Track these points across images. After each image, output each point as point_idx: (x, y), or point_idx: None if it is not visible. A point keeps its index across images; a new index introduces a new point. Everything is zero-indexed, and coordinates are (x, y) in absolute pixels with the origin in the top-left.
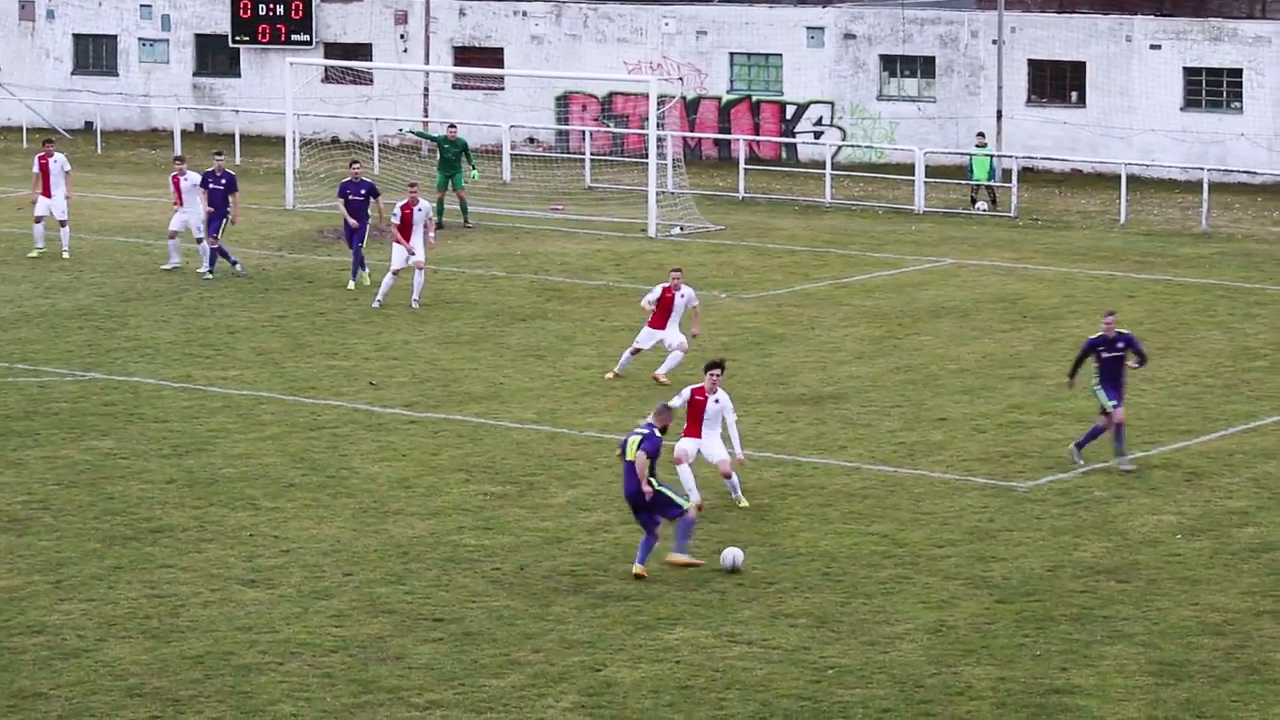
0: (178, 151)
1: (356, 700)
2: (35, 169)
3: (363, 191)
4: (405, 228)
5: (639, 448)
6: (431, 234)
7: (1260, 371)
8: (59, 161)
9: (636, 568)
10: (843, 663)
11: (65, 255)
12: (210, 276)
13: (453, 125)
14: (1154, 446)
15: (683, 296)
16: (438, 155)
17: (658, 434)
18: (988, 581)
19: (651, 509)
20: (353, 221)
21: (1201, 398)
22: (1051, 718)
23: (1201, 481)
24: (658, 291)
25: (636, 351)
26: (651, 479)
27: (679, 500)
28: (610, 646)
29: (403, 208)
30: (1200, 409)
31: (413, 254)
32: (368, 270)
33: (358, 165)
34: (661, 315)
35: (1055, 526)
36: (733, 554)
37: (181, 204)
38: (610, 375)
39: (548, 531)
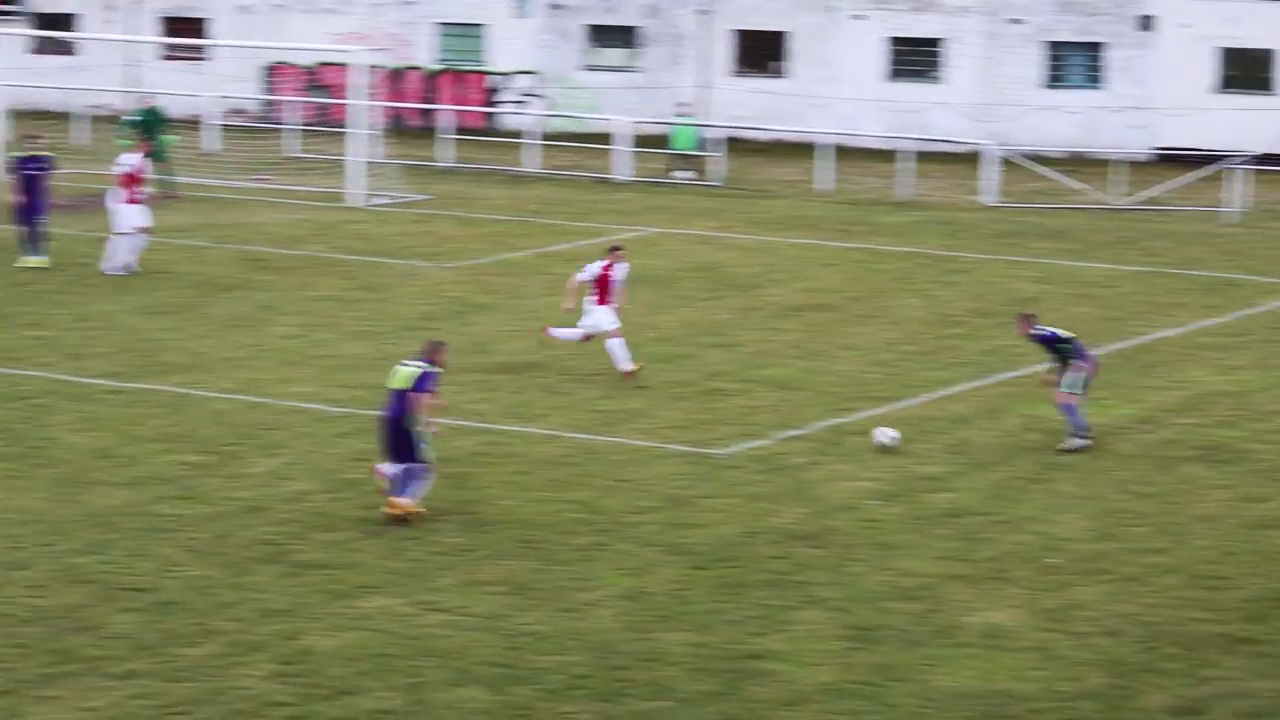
0: None
1: (53, 670)
2: None
3: (43, 166)
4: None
5: (415, 382)
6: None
7: (958, 339)
8: None
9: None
10: (539, 629)
11: None
12: None
13: (148, 98)
14: (851, 413)
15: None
16: (134, 127)
17: (433, 370)
18: (684, 548)
19: (403, 446)
20: (21, 198)
21: (899, 365)
22: (746, 682)
23: (897, 448)
24: (597, 269)
25: (589, 338)
26: (420, 420)
27: (428, 455)
28: (307, 615)
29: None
30: (898, 376)
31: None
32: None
33: (35, 138)
34: (604, 293)
35: (752, 493)
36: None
37: None
38: (630, 371)
39: (246, 501)
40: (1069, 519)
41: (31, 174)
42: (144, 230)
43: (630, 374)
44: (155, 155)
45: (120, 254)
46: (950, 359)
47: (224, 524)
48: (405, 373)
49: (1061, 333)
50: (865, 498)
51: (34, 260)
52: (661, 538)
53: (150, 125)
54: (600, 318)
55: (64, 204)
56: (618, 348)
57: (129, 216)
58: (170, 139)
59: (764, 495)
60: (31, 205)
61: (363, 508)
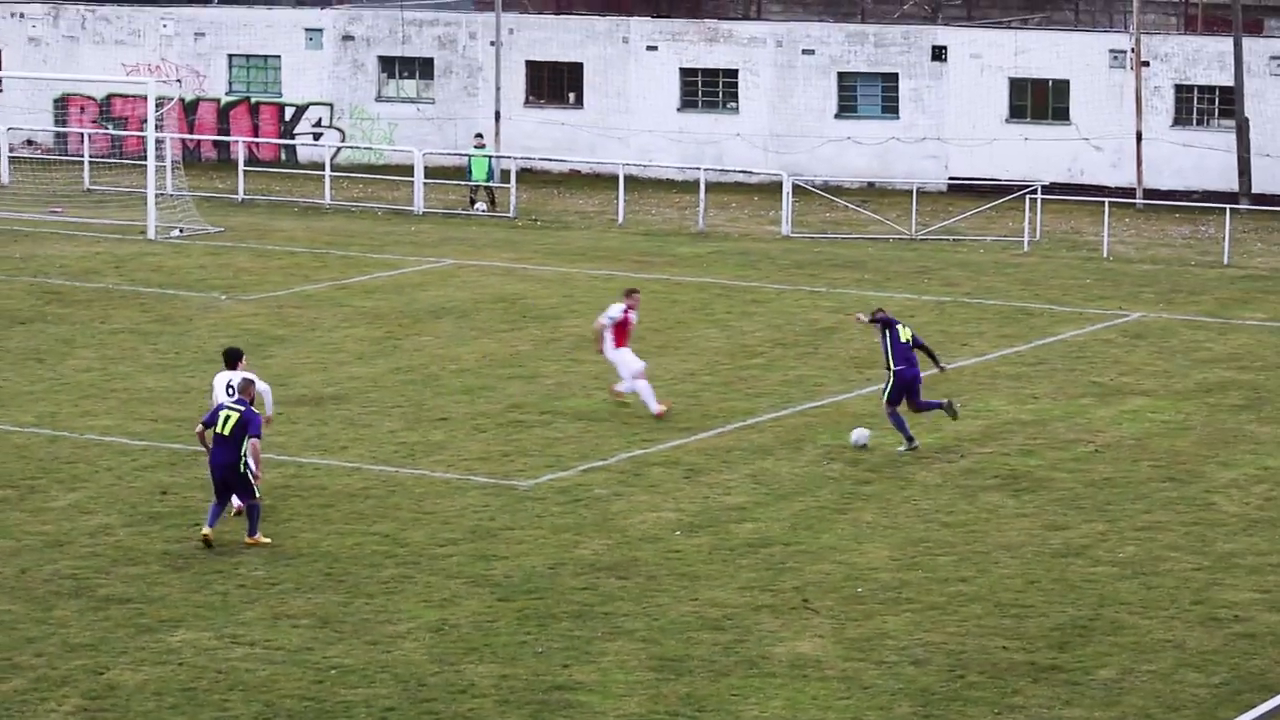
0: None
1: None
2: None
3: None
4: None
5: (239, 424)
6: None
7: (758, 369)
8: None
9: (206, 530)
10: (346, 663)
11: None
12: None
13: None
14: (653, 444)
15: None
16: None
17: (252, 409)
18: (489, 580)
19: (235, 487)
20: None
21: (700, 395)
22: (554, 714)
23: (700, 478)
24: (617, 313)
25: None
26: (249, 460)
27: (257, 490)
28: (113, 649)
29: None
30: (699, 406)
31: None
32: None
33: None
34: (622, 335)
35: (556, 524)
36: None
37: None
38: (661, 412)
39: (49, 535)
40: (873, 548)
41: None
42: None
43: (660, 414)
44: None
45: None
46: (750, 389)
47: (26, 558)
48: (232, 416)
49: (901, 330)
50: (669, 529)
51: None
52: (466, 570)
53: None
54: (625, 360)
55: None
56: (646, 389)
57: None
58: None
59: (568, 527)
60: None
61: (166, 541)
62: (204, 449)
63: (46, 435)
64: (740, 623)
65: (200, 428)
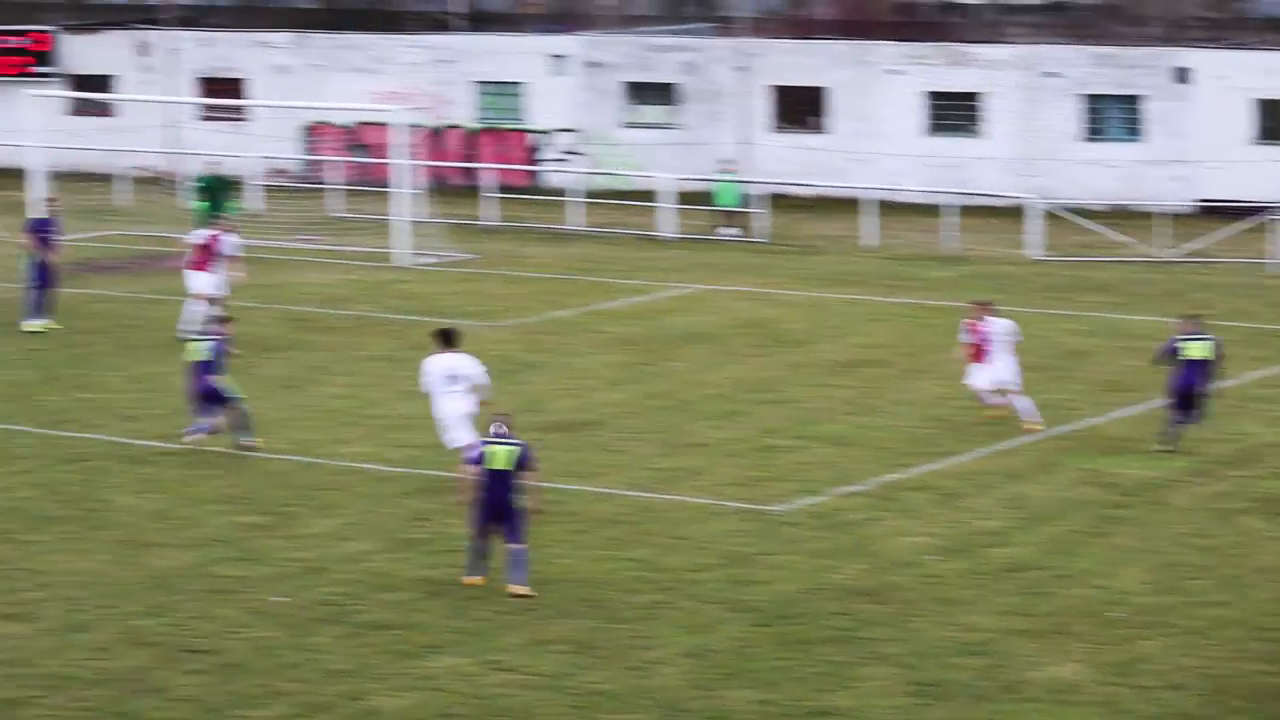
0: None
1: None
2: None
3: (50, 229)
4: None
5: (514, 458)
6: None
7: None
8: None
9: (477, 579)
10: (604, 688)
11: None
12: None
13: (213, 163)
14: (907, 468)
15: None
16: (199, 192)
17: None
18: (746, 605)
19: (512, 520)
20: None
21: (953, 420)
22: None
23: (955, 503)
24: (202, 237)
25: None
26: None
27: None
28: (372, 675)
29: (210, 237)
30: (952, 431)
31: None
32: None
33: (53, 200)
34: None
35: (811, 549)
36: None
37: None
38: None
39: (307, 561)
40: (1129, 572)
41: (41, 236)
42: (214, 299)
43: (1032, 429)
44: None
45: (195, 318)
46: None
47: (285, 584)
48: (504, 451)
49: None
50: (925, 553)
51: (36, 324)
52: (723, 595)
53: (213, 191)
54: (1000, 373)
55: (109, 266)
56: (1026, 404)
57: (201, 283)
58: (234, 205)
59: (823, 551)
60: (39, 269)
61: (424, 567)
62: (465, 491)
63: (302, 462)
64: (998, 647)
65: (468, 468)
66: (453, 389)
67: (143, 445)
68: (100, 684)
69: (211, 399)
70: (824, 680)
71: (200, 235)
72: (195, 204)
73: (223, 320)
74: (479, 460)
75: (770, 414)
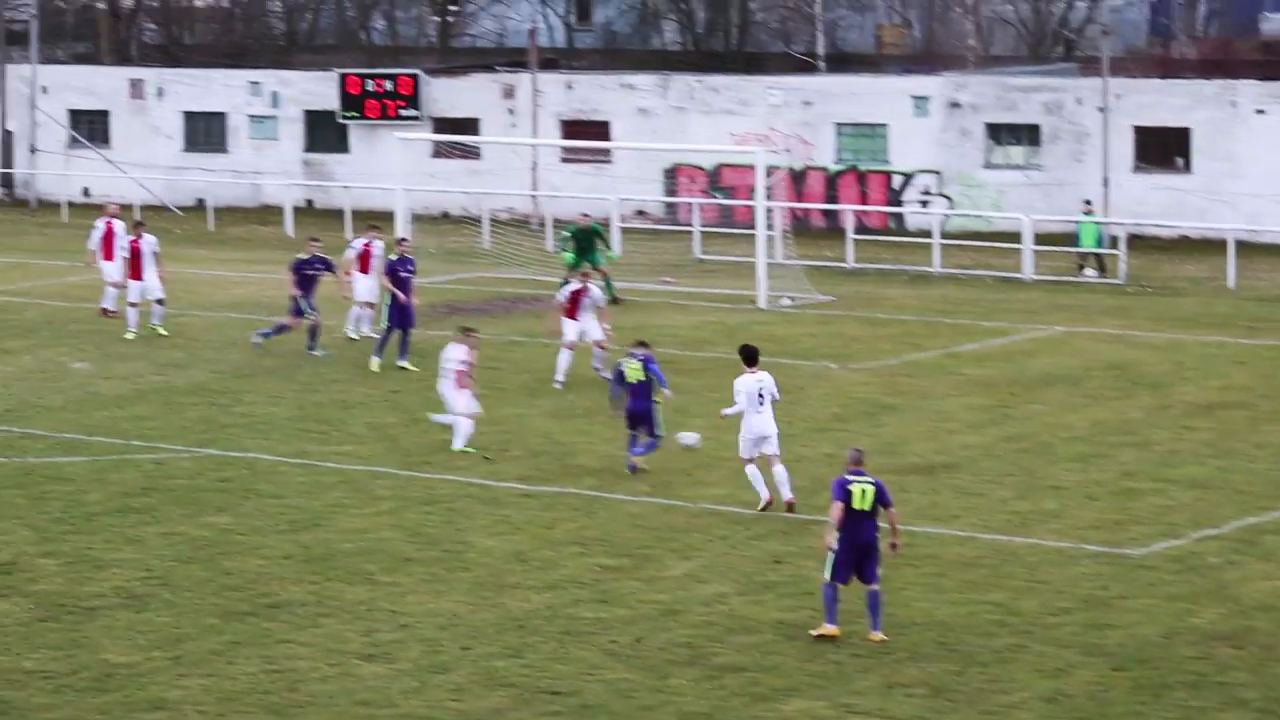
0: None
1: None
2: (125, 253)
3: (325, 267)
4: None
5: (877, 496)
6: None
7: None
8: (149, 242)
9: (833, 629)
10: None
11: (163, 332)
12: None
13: (585, 215)
14: (1267, 512)
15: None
16: (569, 245)
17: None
18: (1103, 649)
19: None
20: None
21: None
22: None
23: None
24: (567, 292)
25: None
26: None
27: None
28: (727, 718)
29: (574, 291)
30: None
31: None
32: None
33: (316, 242)
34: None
35: (1169, 593)
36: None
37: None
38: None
39: (663, 604)
40: None
41: (311, 274)
42: (600, 344)
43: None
44: (591, 263)
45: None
46: None
47: (641, 626)
48: (869, 491)
49: None
50: None
51: (374, 363)
52: (1079, 639)
53: (581, 241)
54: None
55: (471, 308)
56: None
57: (571, 332)
58: (609, 255)
59: (1182, 595)
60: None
61: (780, 610)
62: (835, 531)
63: (660, 504)
64: None
65: (838, 507)
66: (762, 407)
67: (502, 487)
68: None
69: (640, 421)
70: None
71: (568, 289)
72: (563, 255)
73: (643, 344)
74: (846, 499)
75: (1129, 457)
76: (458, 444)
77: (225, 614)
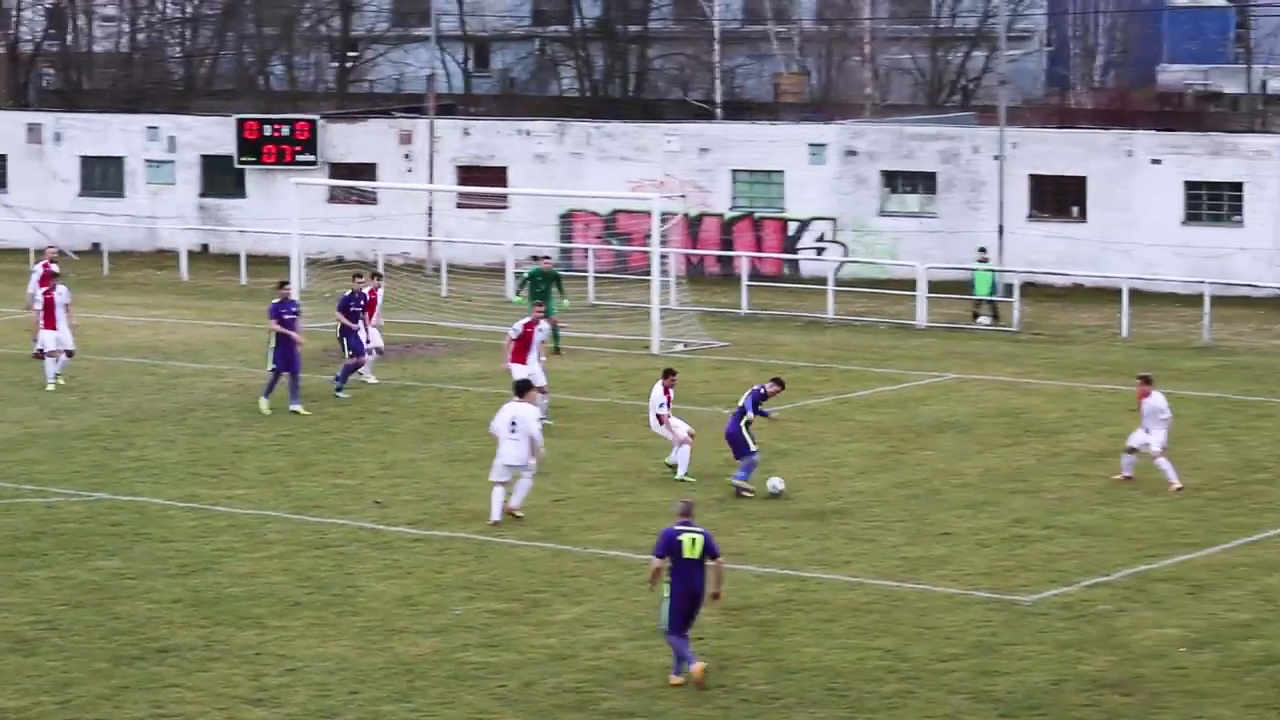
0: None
1: None
2: (39, 304)
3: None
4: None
5: (705, 547)
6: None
7: (1263, 484)
8: (62, 294)
9: (680, 679)
10: None
11: (61, 382)
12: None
13: (546, 257)
14: (1157, 560)
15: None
16: (527, 287)
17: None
18: (992, 696)
19: (692, 616)
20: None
21: (1204, 510)
22: None
23: (1205, 594)
24: (519, 328)
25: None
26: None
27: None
28: None
29: (525, 325)
30: (1204, 522)
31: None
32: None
33: (287, 286)
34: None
35: (1059, 640)
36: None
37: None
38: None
39: (552, 648)
40: None
41: (284, 320)
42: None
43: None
44: (545, 311)
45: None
46: (1255, 505)
47: (530, 671)
48: (700, 542)
49: None
50: (1174, 645)
51: (263, 404)
52: (968, 685)
53: (539, 285)
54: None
55: (374, 350)
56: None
57: (520, 373)
58: (563, 303)
59: (1071, 642)
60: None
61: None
62: (660, 580)
63: (550, 549)
64: None
65: (656, 561)
66: (514, 435)
67: (393, 531)
68: None
69: (736, 448)
70: None
71: (520, 325)
72: (518, 297)
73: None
74: (667, 553)
75: (1020, 504)
76: (681, 470)
77: (114, 658)
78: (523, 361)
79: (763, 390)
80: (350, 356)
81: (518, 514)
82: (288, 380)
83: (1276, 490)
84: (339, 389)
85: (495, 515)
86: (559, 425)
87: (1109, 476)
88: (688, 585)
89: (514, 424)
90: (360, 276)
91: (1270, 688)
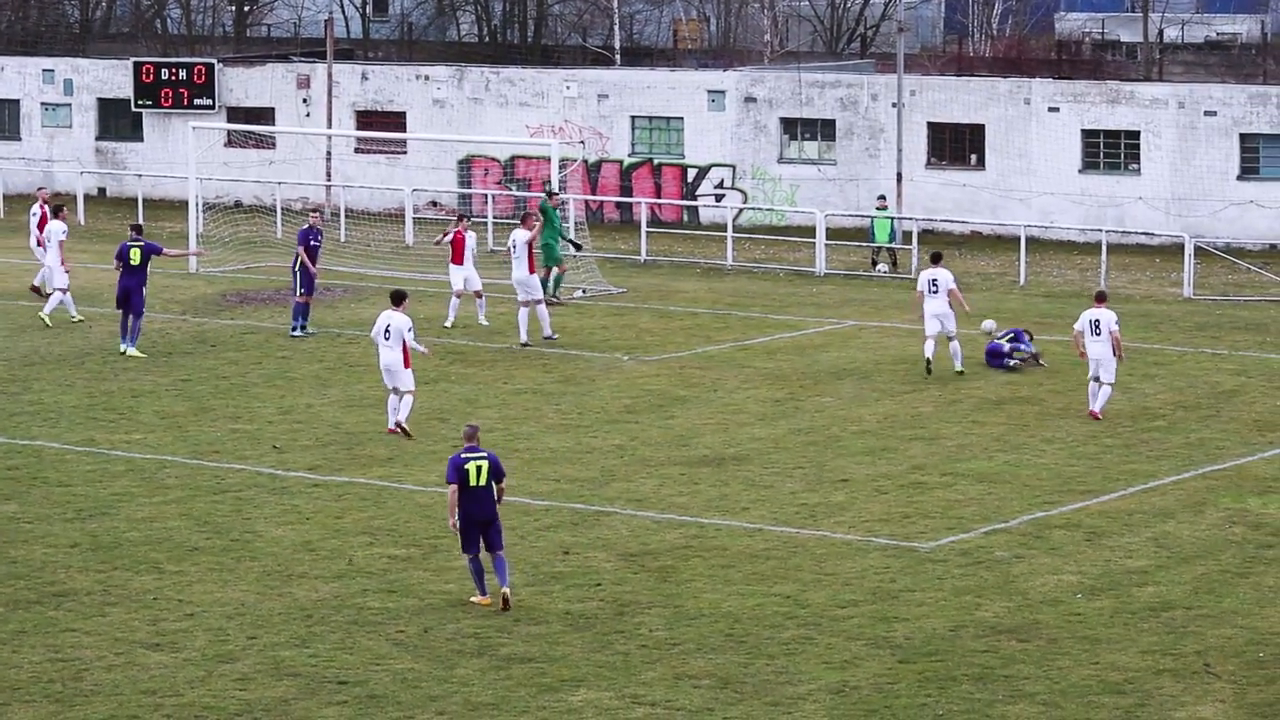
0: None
1: None
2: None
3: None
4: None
5: (490, 472)
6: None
7: (1159, 431)
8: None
9: (483, 599)
10: None
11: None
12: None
13: (553, 193)
14: (1054, 506)
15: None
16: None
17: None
18: (890, 642)
19: (491, 538)
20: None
21: (1101, 458)
22: None
23: (1102, 541)
24: (450, 235)
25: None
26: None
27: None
28: (514, 708)
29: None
30: (1100, 469)
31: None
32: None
33: (316, 215)
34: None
35: (957, 586)
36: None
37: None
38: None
39: (451, 594)
40: (1276, 612)
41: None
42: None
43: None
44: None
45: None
46: (1151, 452)
47: (429, 617)
48: (485, 468)
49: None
50: (1070, 591)
51: (126, 347)
52: (867, 631)
53: (551, 219)
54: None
55: (260, 297)
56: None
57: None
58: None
59: (969, 589)
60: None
61: (567, 601)
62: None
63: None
64: (1141, 687)
65: (453, 490)
66: (388, 342)
67: (292, 476)
68: (242, 714)
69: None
70: (965, 718)
71: (452, 231)
72: (567, 240)
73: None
74: (459, 480)
75: (918, 450)
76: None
77: (10, 603)
78: (460, 263)
79: None
80: (300, 295)
81: (405, 428)
82: (130, 322)
83: (1172, 438)
84: (299, 328)
85: (390, 423)
86: (459, 372)
87: (1008, 422)
88: (473, 510)
89: (387, 330)
90: (316, 212)
91: (1165, 634)
